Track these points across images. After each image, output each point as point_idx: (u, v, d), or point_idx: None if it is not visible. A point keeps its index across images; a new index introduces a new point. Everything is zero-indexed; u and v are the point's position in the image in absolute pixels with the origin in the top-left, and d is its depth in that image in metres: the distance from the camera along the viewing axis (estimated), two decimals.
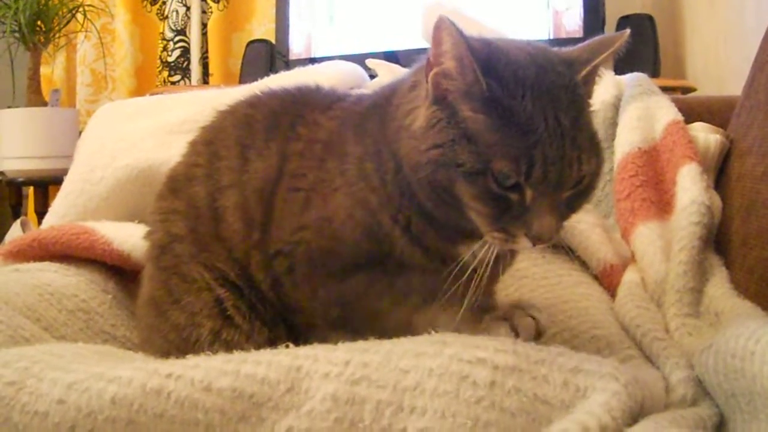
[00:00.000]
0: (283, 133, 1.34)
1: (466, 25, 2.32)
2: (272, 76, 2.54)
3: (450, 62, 1.10)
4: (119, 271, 1.83)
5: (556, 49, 1.20)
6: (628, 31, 1.17)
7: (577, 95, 1.10)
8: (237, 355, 1.09)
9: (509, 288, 1.46)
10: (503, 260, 1.26)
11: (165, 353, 1.27)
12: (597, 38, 1.19)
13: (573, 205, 1.14)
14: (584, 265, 1.78)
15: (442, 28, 1.08)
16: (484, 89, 1.06)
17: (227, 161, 1.36)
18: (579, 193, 1.12)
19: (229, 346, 1.25)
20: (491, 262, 1.14)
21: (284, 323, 1.34)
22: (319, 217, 1.25)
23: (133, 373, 1.02)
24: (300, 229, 1.26)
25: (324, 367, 1.04)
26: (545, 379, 1.01)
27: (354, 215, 1.22)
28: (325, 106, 1.36)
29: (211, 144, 1.42)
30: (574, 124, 1.07)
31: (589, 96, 1.17)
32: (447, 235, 1.20)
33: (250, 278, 1.34)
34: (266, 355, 1.08)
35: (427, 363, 1.04)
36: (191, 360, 1.07)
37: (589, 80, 1.15)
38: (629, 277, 1.65)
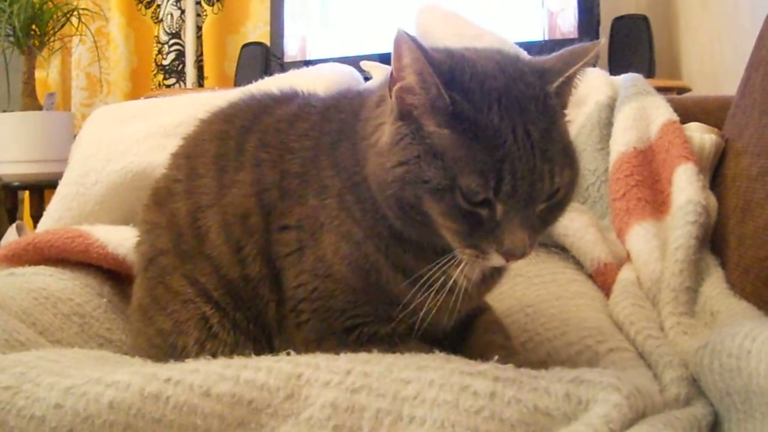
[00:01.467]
0: (255, 155, 1.32)
1: (460, 27, 2.32)
2: (267, 79, 2.55)
3: (411, 77, 1.07)
4: (114, 275, 1.83)
5: (528, 58, 1.19)
6: (602, 40, 1.16)
7: (548, 106, 1.07)
8: (237, 361, 1.08)
9: (503, 286, 1.45)
10: (487, 280, 1.24)
11: (152, 357, 1.28)
12: (571, 48, 1.16)
13: (547, 218, 1.11)
14: (578, 264, 1.78)
15: (401, 42, 1.06)
16: (448, 103, 1.03)
17: (206, 179, 1.35)
18: (553, 206, 1.10)
19: (214, 357, 1.21)
20: (470, 282, 1.15)
21: (268, 340, 1.33)
22: (314, 259, 1.23)
23: (131, 378, 1.01)
24: (300, 274, 1.25)
25: (325, 376, 1.04)
26: (546, 391, 1.01)
27: (340, 250, 1.20)
28: (293, 121, 1.33)
29: (190, 158, 1.40)
30: (545, 136, 1.04)
31: (564, 107, 1.13)
32: (423, 256, 1.15)
33: (237, 297, 1.32)
34: (267, 361, 1.08)
35: (429, 375, 1.04)
36: (190, 364, 1.07)
37: (563, 91, 1.12)
38: (624, 275, 1.65)
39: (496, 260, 1.06)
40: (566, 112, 1.15)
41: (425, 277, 1.11)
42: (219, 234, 1.31)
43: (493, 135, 1.01)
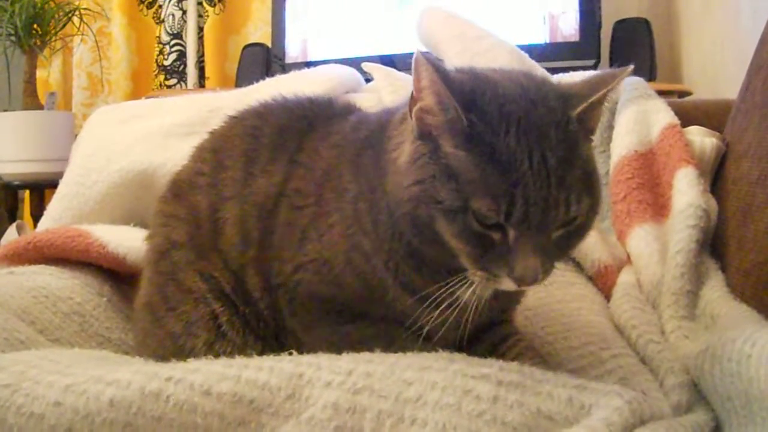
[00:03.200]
0: (287, 155, 1.33)
1: (462, 28, 2.32)
2: (268, 80, 2.54)
3: (430, 98, 1.06)
4: (114, 275, 1.83)
5: (555, 82, 1.15)
6: (631, 67, 1.12)
7: (569, 132, 1.05)
8: (238, 360, 1.08)
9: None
10: (501, 296, 1.21)
11: (160, 358, 1.27)
12: (599, 73, 1.15)
13: (565, 244, 1.09)
14: (578, 266, 1.78)
15: (418, 64, 1.06)
16: (465, 125, 1.03)
17: (231, 172, 1.35)
18: (571, 234, 1.08)
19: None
20: (482, 302, 1.13)
21: (277, 340, 1.33)
22: (317, 259, 1.23)
23: (132, 376, 1.02)
24: (299, 267, 1.25)
25: (327, 376, 1.04)
26: (549, 395, 1.01)
27: (351, 260, 1.20)
28: (327, 131, 1.34)
29: (217, 152, 1.41)
30: (562, 162, 1.01)
31: (590, 133, 1.12)
32: (435, 276, 1.13)
33: (246, 293, 1.33)
34: (268, 361, 1.08)
35: (431, 376, 1.04)
36: (191, 364, 1.08)
37: (587, 117, 1.09)
38: (625, 278, 1.65)
39: (507, 285, 1.05)
40: (593, 138, 1.13)
41: (434, 296, 1.10)
42: (234, 226, 1.33)
43: (508, 159, 1.00)
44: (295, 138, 1.35)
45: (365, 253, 1.19)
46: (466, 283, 1.08)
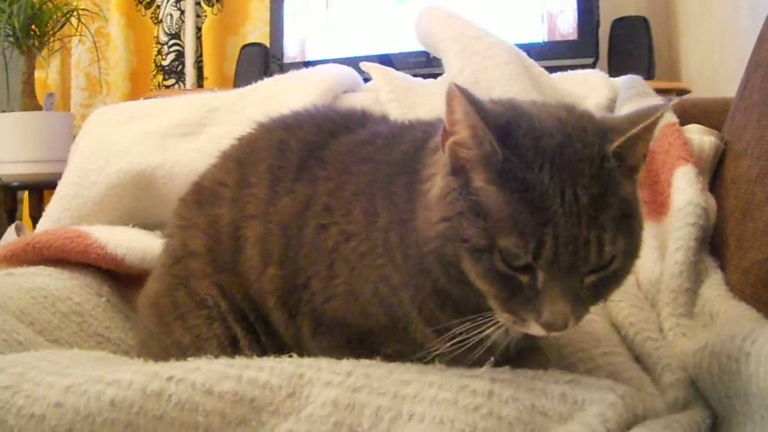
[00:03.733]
0: (312, 172, 1.29)
1: (461, 28, 2.32)
2: (266, 80, 2.54)
3: (464, 131, 1.01)
4: (113, 275, 1.83)
5: (597, 116, 1.09)
6: (674, 101, 1.08)
7: (605, 169, 0.98)
8: (240, 360, 1.09)
9: None
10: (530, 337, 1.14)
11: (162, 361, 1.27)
12: (642, 108, 1.08)
13: (600, 290, 1.02)
14: None
15: (452, 96, 1.00)
16: (500, 159, 0.97)
17: (256, 189, 1.32)
18: (607, 279, 1.01)
19: None
20: (513, 341, 1.10)
21: None
22: (346, 291, 1.19)
23: (133, 376, 1.02)
24: (330, 299, 1.21)
25: (326, 376, 1.05)
26: (543, 392, 1.02)
27: (378, 292, 1.17)
28: (356, 142, 1.31)
29: (242, 165, 1.37)
30: (596, 201, 0.96)
31: (631, 170, 1.04)
32: (461, 314, 1.05)
33: (267, 324, 1.31)
34: (269, 361, 1.09)
35: (428, 377, 1.05)
36: (192, 363, 1.08)
37: (627, 153, 1.01)
38: None
39: (535, 330, 0.99)
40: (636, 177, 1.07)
41: (460, 335, 1.04)
42: (255, 245, 1.30)
43: (540, 196, 0.95)
44: (321, 152, 1.31)
45: (393, 286, 1.15)
46: (493, 322, 1.02)
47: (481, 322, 1.02)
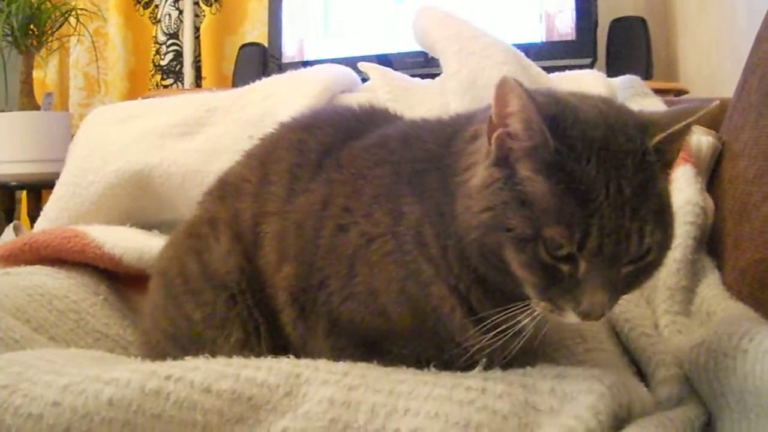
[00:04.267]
0: (328, 174, 1.29)
1: (458, 28, 2.31)
2: (265, 80, 2.53)
3: (517, 124, 1.02)
4: (111, 275, 1.83)
5: (634, 110, 1.10)
6: (717, 102, 1.08)
7: (646, 162, 1.00)
8: (237, 360, 1.09)
9: None
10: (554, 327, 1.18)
11: (170, 336, 1.32)
12: (682, 105, 1.10)
13: (633, 281, 1.05)
14: None
15: (507, 89, 1.01)
16: (552, 150, 0.98)
17: (276, 187, 1.33)
18: (641, 269, 1.03)
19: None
20: (540, 331, 1.11)
21: None
22: (366, 290, 1.19)
23: (131, 375, 1.02)
24: (348, 298, 1.21)
25: (323, 375, 1.06)
26: (534, 388, 1.03)
27: (405, 288, 1.15)
28: (371, 144, 1.30)
29: (264, 163, 1.38)
30: (638, 193, 0.98)
31: (667, 165, 1.06)
32: (499, 301, 1.08)
33: (272, 316, 1.30)
34: (267, 361, 1.09)
35: (423, 376, 1.07)
36: (190, 362, 1.08)
37: (666, 148, 1.03)
38: None
39: (571, 318, 1.01)
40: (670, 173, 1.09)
41: (494, 321, 1.06)
42: (272, 241, 1.31)
43: (587, 188, 0.96)
44: (338, 155, 1.31)
45: (423, 280, 1.14)
46: (528, 310, 1.04)
47: (517, 311, 1.04)
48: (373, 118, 1.42)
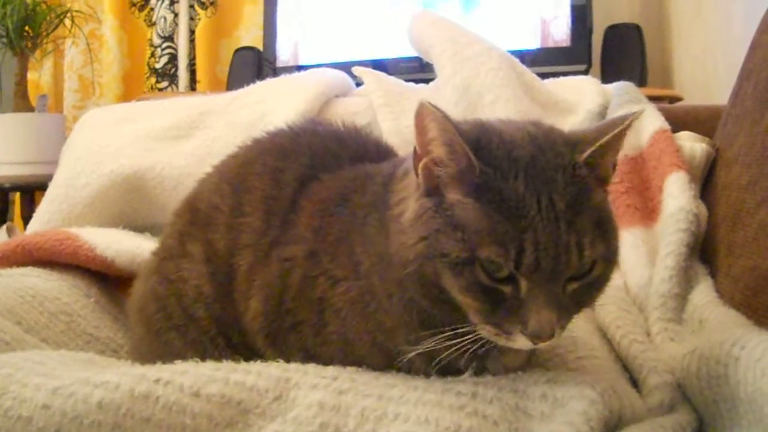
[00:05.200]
0: (301, 210, 1.27)
1: (452, 33, 2.32)
2: (259, 83, 2.54)
3: (440, 149, 1.01)
4: (103, 278, 1.83)
5: (569, 130, 1.10)
6: (643, 109, 1.09)
7: (577, 177, 0.99)
8: (227, 364, 1.09)
9: None
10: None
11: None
12: (611, 119, 1.11)
13: (582, 299, 1.02)
14: None
15: (425, 114, 1.00)
16: (477, 173, 0.98)
17: (251, 219, 1.29)
18: (589, 286, 1.02)
19: None
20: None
21: None
22: (340, 339, 1.17)
23: (120, 378, 1.02)
24: (322, 345, 1.19)
25: (312, 380, 1.06)
26: (525, 393, 1.03)
27: (377, 341, 1.14)
28: (336, 186, 1.27)
29: (236, 191, 1.33)
30: (571, 206, 0.96)
31: (602, 179, 1.04)
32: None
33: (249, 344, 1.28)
34: (256, 365, 1.09)
35: (413, 381, 1.06)
36: (180, 366, 1.08)
37: (598, 162, 1.02)
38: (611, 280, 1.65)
39: (521, 341, 0.98)
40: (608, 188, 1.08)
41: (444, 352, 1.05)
42: (245, 275, 1.28)
43: (517, 205, 0.95)
44: (312, 189, 1.29)
45: (387, 330, 1.13)
46: (474, 337, 1.01)
47: (461, 338, 1.01)
48: (354, 142, 1.39)
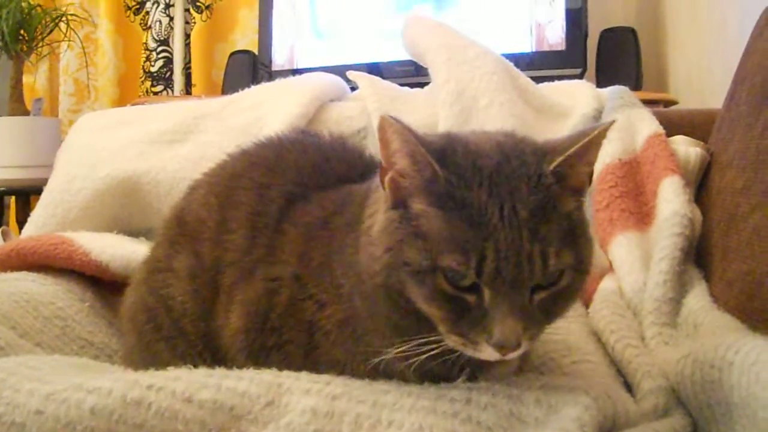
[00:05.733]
0: (287, 231, 1.26)
1: (447, 38, 2.31)
2: (254, 87, 2.54)
3: (403, 161, 1.01)
4: (97, 282, 1.83)
5: (538, 140, 1.08)
6: (614, 122, 1.05)
7: (542, 185, 0.98)
8: (219, 371, 1.09)
9: None
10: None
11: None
12: (582, 129, 1.10)
13: (552, 309, 1.01)
14: None
15: (386, 127, 1.01)
16: (442, 182, 0.98)
17: (235, 236, 1.29)
18: (558, 296, 1.00)
19: None
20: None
21: None
22: (330, 360, 1.16)
23: (113, 384, 1.01)
24: (311, 365, 1.17)
25: (305, 385, 1.05)
26: (519, 399, 1.02)
27: (367, 362, 1.12)
28: (321, 207, 1.27)
29: (222, 207, 1.33)
30: (536, 215, 0.95)
31: (573, 189, 1.03)
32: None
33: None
34: (248, 372, 1.09)
35: (407, 388, 1.06)
36: (172, 372, 1.08)
37: (567, 172, 1.01)
38: (606, 284, 1.66)
39: (488, 353, 0.96)
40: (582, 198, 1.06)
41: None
42: (227, 291, 1.29)
43: (479, 213, 0.95)
44: (298, 208, 1.29)
45: (377, 352, 1.10)
46: (443, 348, 1.01)
47: (429, 347, 1.01)
48: (340, 159, 1.39)
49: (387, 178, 1.04)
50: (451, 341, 0.99)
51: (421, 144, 0.98)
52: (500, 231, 0.94)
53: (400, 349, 1.03)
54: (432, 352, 1.00)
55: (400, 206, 1.02)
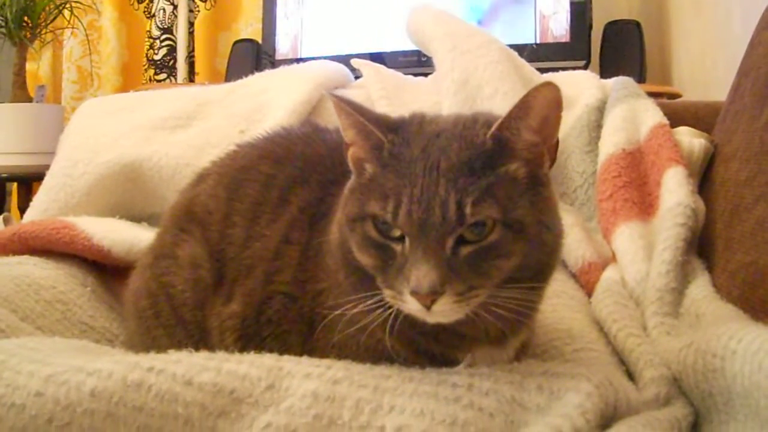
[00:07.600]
0: (286, 214, 1.28)
1: (452, 26, 2.31)
2: (257, 75, 2.54)
3: (351, 132, 1.10)
4: (99, 267, 1.83)
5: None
6: (550, 83, 1.02)
7: (475, 146, 1.02)
8: (219, 354, 1.09)
9: None
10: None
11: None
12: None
13: (480, 265, 1.00)
14: (562, 264, 1.76)
15: (335, 108, 1.10)
16: (386, 147, 1.06)
17: (238, 229, 1.31)
18: (484, 252, 0.99)
19: None
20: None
21: None
22: (326, 345, 1.17)
23: (114, 366, 1.01)
24: (308, 351, 1.17)
25: (306, 369, 1.05)
26: (521, 385, 1.03)
27: (361, 343, 1.14)
28: (328, 186, 1.29)
29: (230, 199, 1.34)
30: (459, 169, 0.99)
31: (523, 158, 1.04)
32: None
33: None
34: (249, 355, 1.09)
35: (408, 373, 1.06)
36: (173, 355, 1.08)
37: (506, 137, 1.03)
38: (609, 274, 1.65)
39: (413, 305, 0.98)
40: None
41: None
42: (227, 283, 1.30)
43: (407, 166, 1.02)
44: (300, 195, 1.31)
45: (373, 335, 1.11)
46: (381, 303, 1.04)
47: (376, 304, 1.04)
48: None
49: (349, 155, 1.12)
50: (388, 296, 1.02)
51: (361, 114, 1.07)
52: (418, 179, 1.00)
53: (347, 306, 1.07)
54: (373, 306, 1.04)
55: (360, 175, 1.09)
